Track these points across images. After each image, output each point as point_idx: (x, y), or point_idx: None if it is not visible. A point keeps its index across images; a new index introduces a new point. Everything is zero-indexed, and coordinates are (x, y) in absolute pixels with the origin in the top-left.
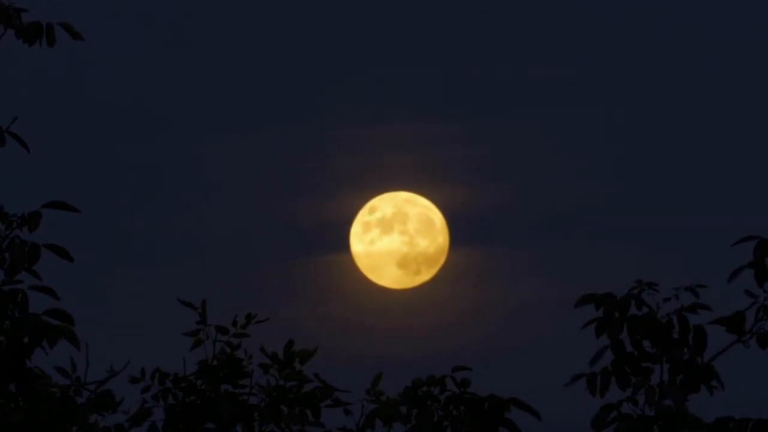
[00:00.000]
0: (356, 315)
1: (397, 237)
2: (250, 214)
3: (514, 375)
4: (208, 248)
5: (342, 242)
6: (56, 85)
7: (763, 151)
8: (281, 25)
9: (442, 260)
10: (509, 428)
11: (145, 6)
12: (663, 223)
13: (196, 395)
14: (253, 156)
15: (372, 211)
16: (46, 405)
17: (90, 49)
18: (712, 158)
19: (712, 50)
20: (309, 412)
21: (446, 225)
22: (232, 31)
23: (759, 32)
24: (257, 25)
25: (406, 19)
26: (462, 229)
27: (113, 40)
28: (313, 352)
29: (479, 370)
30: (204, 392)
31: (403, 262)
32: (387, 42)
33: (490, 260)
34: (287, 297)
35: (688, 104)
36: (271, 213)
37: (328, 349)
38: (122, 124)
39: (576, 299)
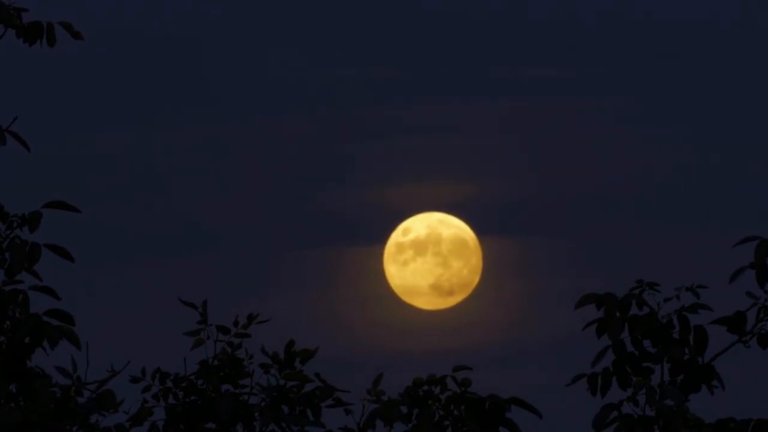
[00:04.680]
0: (364, 318)
1: (430, 258)
2: (256, 210)
3: (515, 374)
4: (207, 247)
5: (373, 237)
6: (57, 85)
7: (762, 151)
8: (319, 21)
9: (475, 281)
10: (510, 428)
11: (146, 10)
12: (665, 223)
13: (196, 395)
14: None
15: (406, 232)
16: (47, 405)
17: (90, 47)
18: (712, 158)
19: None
20: (309, 411)
21: (479, 245)
22: (256, 25)
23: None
24: (287, 20)
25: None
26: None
27: (113, 39)
28: (314, 352)
29: (480, 370)
30: (205, 392)
31: (437, 283)
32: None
33: (501, 259)
34: (294, 297)
35: (699, 102)
36: (283, 208)
37: (331, 349)
38: (126, 120)
39: (577, 299)
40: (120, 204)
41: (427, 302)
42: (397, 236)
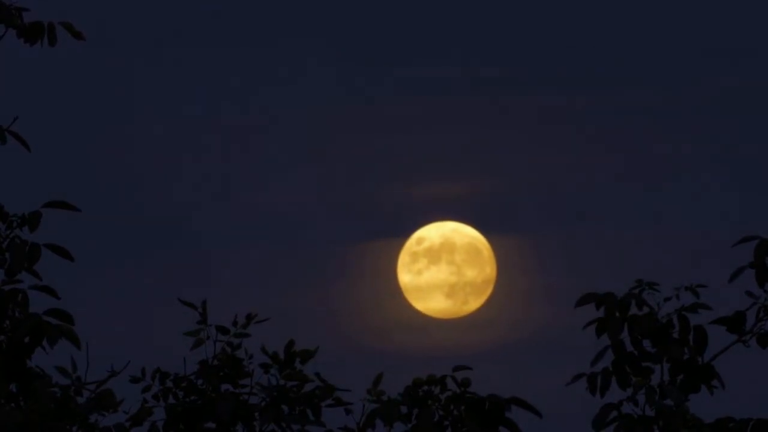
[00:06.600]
0: (365, 318)
1: (444, 267)
2: (256, 209)
3: (515, 374)
4: (207, 247)
5: (375, 236)
6: (56, 85)
7: (763, 151)
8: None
9: (489, 290)
10: (510, 428)
11: (146, 9)
12: (664, 223)
13: (196, 395)
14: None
15: (420, 241)
16: (47, 405)
17: (89, 47)
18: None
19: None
20: (310, 411)
21: (493, 254)
22: (291, 20)
23: None
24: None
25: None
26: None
27: (112, 40)
28: (314, 351)
29: (480, 370)
30: (204, 392)
31: (451, 293)
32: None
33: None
34: (294, 296)
35: (699, 102)
36: (283, 208)
37: (331, 349)
38: (125, 120)
39: (577, 299)
40: (120, 204)
41: (441, 311)
42: (411, 245)
